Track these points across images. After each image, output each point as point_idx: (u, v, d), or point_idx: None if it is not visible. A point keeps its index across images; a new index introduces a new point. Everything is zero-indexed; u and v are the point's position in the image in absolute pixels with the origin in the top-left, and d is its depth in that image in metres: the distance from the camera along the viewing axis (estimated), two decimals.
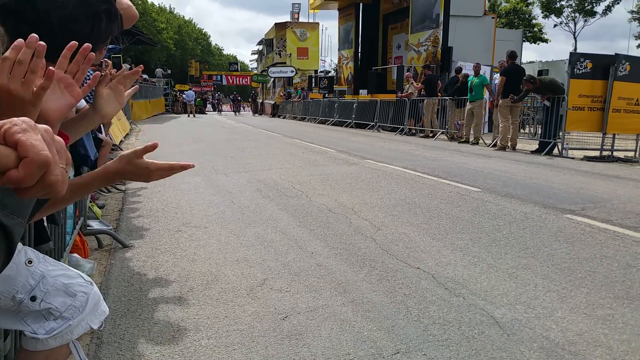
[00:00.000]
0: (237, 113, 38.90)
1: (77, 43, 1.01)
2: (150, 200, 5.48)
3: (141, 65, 1.54)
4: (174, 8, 66.80)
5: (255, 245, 3.79)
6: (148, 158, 1.24)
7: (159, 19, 49.59)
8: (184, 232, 4.16)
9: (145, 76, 30.87)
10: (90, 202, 4.70)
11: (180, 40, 55.97)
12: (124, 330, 2.43)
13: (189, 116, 30.11)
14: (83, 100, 3.27)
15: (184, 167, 1.25)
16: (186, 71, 55.03)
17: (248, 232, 4.18)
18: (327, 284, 3.01)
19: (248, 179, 6.82)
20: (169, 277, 3.13)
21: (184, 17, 65.30)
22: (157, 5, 54.01)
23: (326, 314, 2.59)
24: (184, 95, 36.94)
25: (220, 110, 39.52)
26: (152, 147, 1.21)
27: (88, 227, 3.84)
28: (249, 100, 43.26)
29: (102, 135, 5.38)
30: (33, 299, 1.33)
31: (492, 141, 12.17)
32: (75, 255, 3.29)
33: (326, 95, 28.82)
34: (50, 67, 0.86)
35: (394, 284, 3.02)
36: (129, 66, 23.32)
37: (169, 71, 43.27)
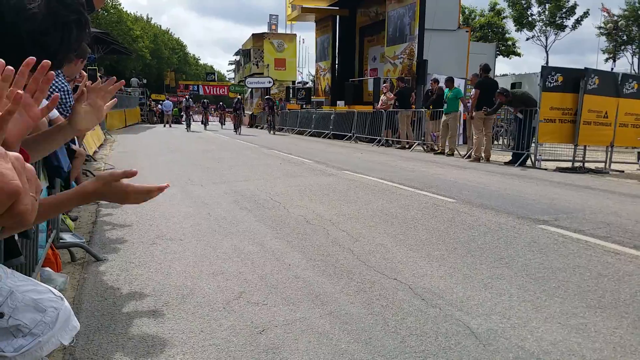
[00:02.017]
0: (206, 126, 28.41)
1: (34, 59, 0.95)
2: (125, 212, 5.39)
3: (116, 79, 1.53)
4: (150, 18, 66.31)
5: (231, 258, 3.75)
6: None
7: (134, 28, 49.13)
8: (159, 245, 4.09)
9: None
10: (64, 214, 4.60)
11: (156, 50, 55.53)
12: (97, 346, 2.37)
13: (165, 126, 29.82)
14: (56, 111, 3.21)
15: (160, 190, 1.25)
16: (162, 81, 54.61)
17: (224, 244, 4.13)
18: (304, 296, 3.00)
19: (225, 190, 6.77)
20: (143, 291, 3.07)
21: (160, 26, 64.96)
22: (133, 15, 53.59)
23: (303, 326, 2.57)
24: (160, 105, 36.60)
25: (188, 124, 26.14)
26: (131, 174, 1.21)
27: (61, 240, 3.75)
28: (232, 110, 26.69)
29: (76, 146, 5.27)
30: (1, 315, 1.29)
31: (467, 152, 12.36)
32: (48, 269, 3.20)
33: (304, 106, 28.88)
34: (19, 91, 0.82)
35: (371, 295, 3.02)
36: (101, 74, 23.03)
37: (145, 81, 42.79)
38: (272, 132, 23.66)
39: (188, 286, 3.14)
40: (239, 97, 31.11)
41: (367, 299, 2.96)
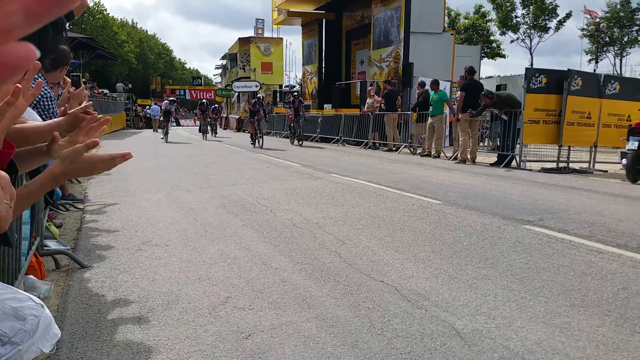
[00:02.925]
0: (214, 134, 24.32)
1: (39, 64, 1.01)
2: (110, 218, 5.35)
3: (104, 119, 1.54)
4: (136, 22, 65.91)
5: (218, 263, 3.73)
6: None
7: (119, 33, 48.83)
8: (144, 251, 4.06)
9: (105, 91, 30.31)
10: (48, 221, 4.55)
11: (142, 54, 55.28)
12: (82, 353, 2.35)
13: (155, 131, 29.62)
14: (39, 117, 3.18)
15: (124, 156, 1.26)
16: (148, 86, 54.32)
17: (211, 249, 4.12)
18: (291, 300, 3.00)
19: (212, 194, 6.75)
20: (128, 298, 3.05)
21: (146, 31, 64.68)
22: (118, 20, 53.28)
23: (290, 330, 2.57)
24: (147, 110, 36.37)
25: (166, 132, 20.17)
26: (93, 145, 1.22)
27: (45, 248, 3.71)
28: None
29: None
30: None
31: (453, 154, 12.45)
32: (31, 276, 3.17)
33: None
34: (17, 84, 0.85)
35: (358, 298, 3.03)
36: (85, 80, 22.85)
37: (130, 85, 42.52)
38: (298, 142, 17.42)
39: (174, 292, 3.12)
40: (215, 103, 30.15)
41: (353, 302, 2.96)
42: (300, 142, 17.25)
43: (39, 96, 3.40)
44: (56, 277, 3.50)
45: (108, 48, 33.22)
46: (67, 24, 1.30)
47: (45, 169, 1.25)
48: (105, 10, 46.14)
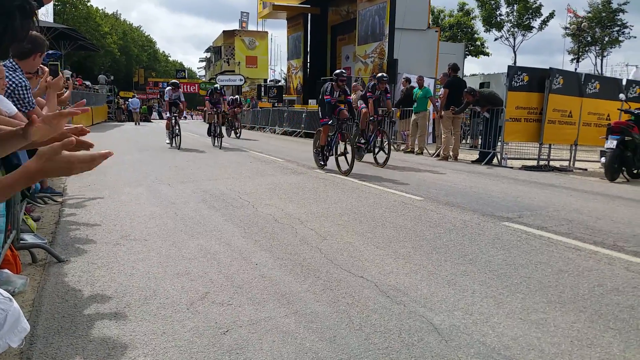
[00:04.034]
0: (235, 133, 17.97)
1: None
2: (89, 212, 5.27)
3: (84, 103, 1.47)
4: (120, 14, 64.71)
5: (197, 258, 3.70)
6: None
7: (102, 24, 48.08)
8: (123, 246, 4.01)
9: (87, 83, 29.86)
10: (25, 214, 4.47)
11: (125, 46, 54.51)
12: (56, 348, 2.31)
13: (136, 124, 29.29)
14: (14, 107, 3.11)
15: (104, 156, 1.21)
16: (131, 78, 53.65)
17: (190, 244, 4.08)
18: (270, 295, 2.99)
19: (193, 189, 6.69)
20: (105, 293, 3.01)
21: (132, 24, 63.81)
22: (102, 11, 52.45)
23: (268, 326, 2.56)
24: (128, 103, 35.92)
25: (173, 134, 13.39)
26: (70, 143, 1.17)
27: (21, 241, 3.64)
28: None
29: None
30: None
31: (436, 151, 12.52)
32: (6, 270, 3.11)
33: (275, 104, 28.80)
34: None
35: (337, 293, 3.03)
36: (70, 73, 22.47)
37: (112, 77, 41.94)
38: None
39: (151, 287, 3.09)
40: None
41: (333, 297, 2.96)
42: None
43: (14, 84, 3.33)
44: (32, 271, 3.44)
45: (91, 39, 32.68)
46: (38, 10, 1.26)
47: (21, 166, 1.22)
48: (89, 1, 45.39)
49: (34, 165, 1.18)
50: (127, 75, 54.48)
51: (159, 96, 51.34)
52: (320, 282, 3.23)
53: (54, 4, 37.34)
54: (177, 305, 2.81)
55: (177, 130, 13.14)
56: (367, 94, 10.39)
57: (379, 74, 10.83)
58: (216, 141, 13.96)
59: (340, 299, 2.94)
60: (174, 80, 13.11)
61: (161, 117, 43.55)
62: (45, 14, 23.37)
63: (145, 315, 2.67)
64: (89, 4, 45.19)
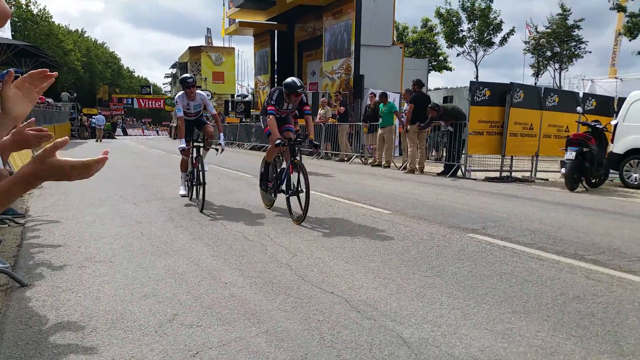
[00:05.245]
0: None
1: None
2: (52, 234, 5.13)
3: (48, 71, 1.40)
4: (84, 31, 63.23)
5: (165, 279, 3.65)
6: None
7: (65, 40, 47.11)
8: (88, 268, 3.92)
9: (49, 100, 29.16)
10: None
11: (88, 63, 53.53)
12: None
13: (97, 141, 28.71)
14: None
15: (99, 162, 1.14)
16: (95, 94, 52.63)
17: (157, 264, 4.02)
18: (240, 315, 2.97)
19: (159, 207, 6.60)
20: (70, 317, 2.93)
21: (96, 40, 62.80)
22: (64, 27, 51.43)
23: (239, 346, 2.54)
24: (92, 120, 35.23)
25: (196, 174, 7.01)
26: (62, 144, 1.14)
27: None
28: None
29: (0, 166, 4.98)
30: None
31: (402, 164, 12.71)
32: None
33: (243, 119, 28.74)
34: None
35: (308, 310, 3.04)
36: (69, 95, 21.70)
37: (75, 94, 41.05)
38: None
39: (118, 310, 3.02)
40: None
41: (304, 315, 2.97)
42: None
43: None
44: None
45: (53, 56, 31.92)
46: None
47: (18, 170, 1.17)
48: (51, 18, 44.46)
49: (29, 169, 1.13)
50: (90, 92, 53.41)
51: (122, 112, 50.54)
52: (290, 299, 3.23)
53: (14, 21, 36.45)
54: (145, 328, 2.76)
55: (200, 176, 6.73)
56: (268, 108, 6.11)
57: (290, 80, 6.17)
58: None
59: (311, 316, 2.94)
60: (185, 75, 7.51)
61: (125, 134, 42.78)
62: (3, 29, 22.78)
63: (112, 340, 2.61)
64: (50, 21, 44.30)
